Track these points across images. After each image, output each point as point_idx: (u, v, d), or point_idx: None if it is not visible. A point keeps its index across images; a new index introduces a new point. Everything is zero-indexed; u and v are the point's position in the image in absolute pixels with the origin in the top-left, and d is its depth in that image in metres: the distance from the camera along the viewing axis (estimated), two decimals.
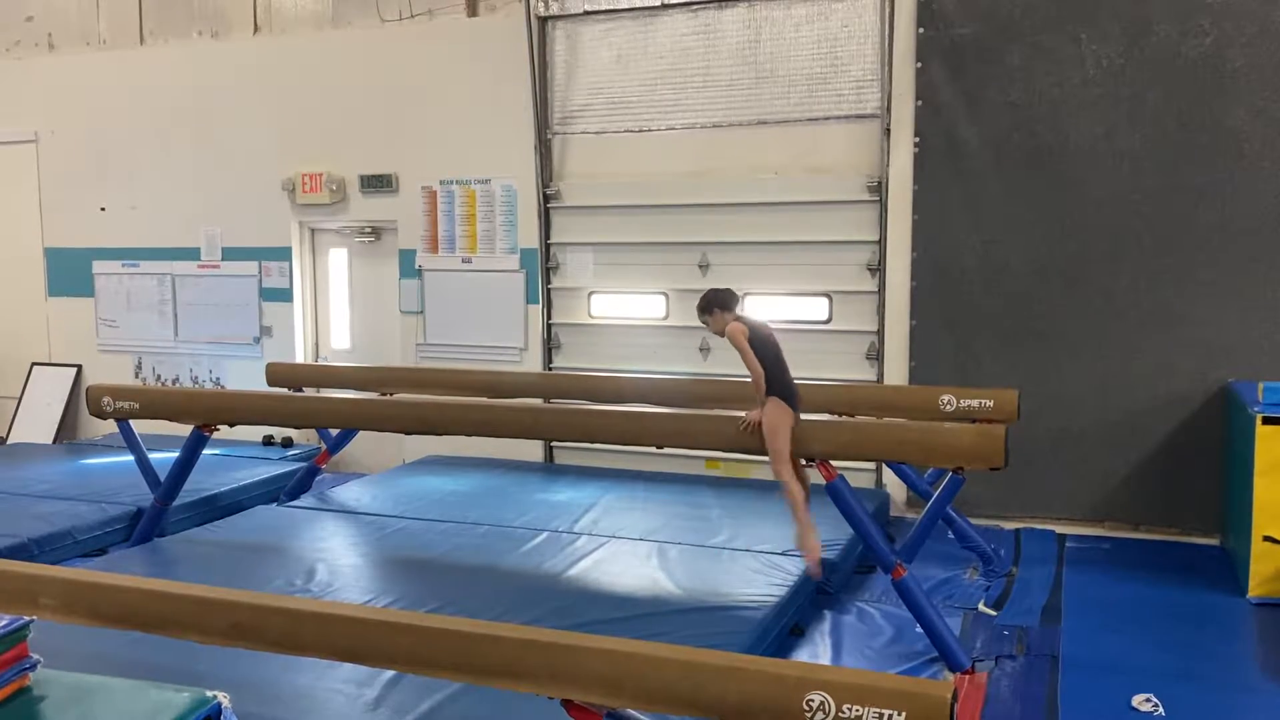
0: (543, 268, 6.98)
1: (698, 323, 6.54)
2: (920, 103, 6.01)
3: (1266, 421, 4.62)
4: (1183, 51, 5.54)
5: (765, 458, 4.27)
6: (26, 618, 2.07)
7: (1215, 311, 5.58)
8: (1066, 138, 5.76)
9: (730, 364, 6.52)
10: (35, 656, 2.09)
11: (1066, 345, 5.84)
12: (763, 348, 4.16)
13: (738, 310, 4.33)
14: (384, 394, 5.99)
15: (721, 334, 4.24)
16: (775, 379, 4.12)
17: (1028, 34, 5.77)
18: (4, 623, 2.04)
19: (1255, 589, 4.71)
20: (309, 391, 6.33)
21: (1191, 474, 5.66)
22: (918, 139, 6.04)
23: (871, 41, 6.14)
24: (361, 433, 6.42)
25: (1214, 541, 5.62)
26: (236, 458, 7.06)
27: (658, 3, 6.52)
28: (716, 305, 4.28)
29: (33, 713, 2.01)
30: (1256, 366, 5.48)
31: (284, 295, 7.78)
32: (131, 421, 5.48)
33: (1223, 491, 5.54)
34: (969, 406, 4.79)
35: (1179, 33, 5.53)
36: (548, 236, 6.96)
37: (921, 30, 5.97)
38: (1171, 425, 5.69)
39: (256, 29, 7.74)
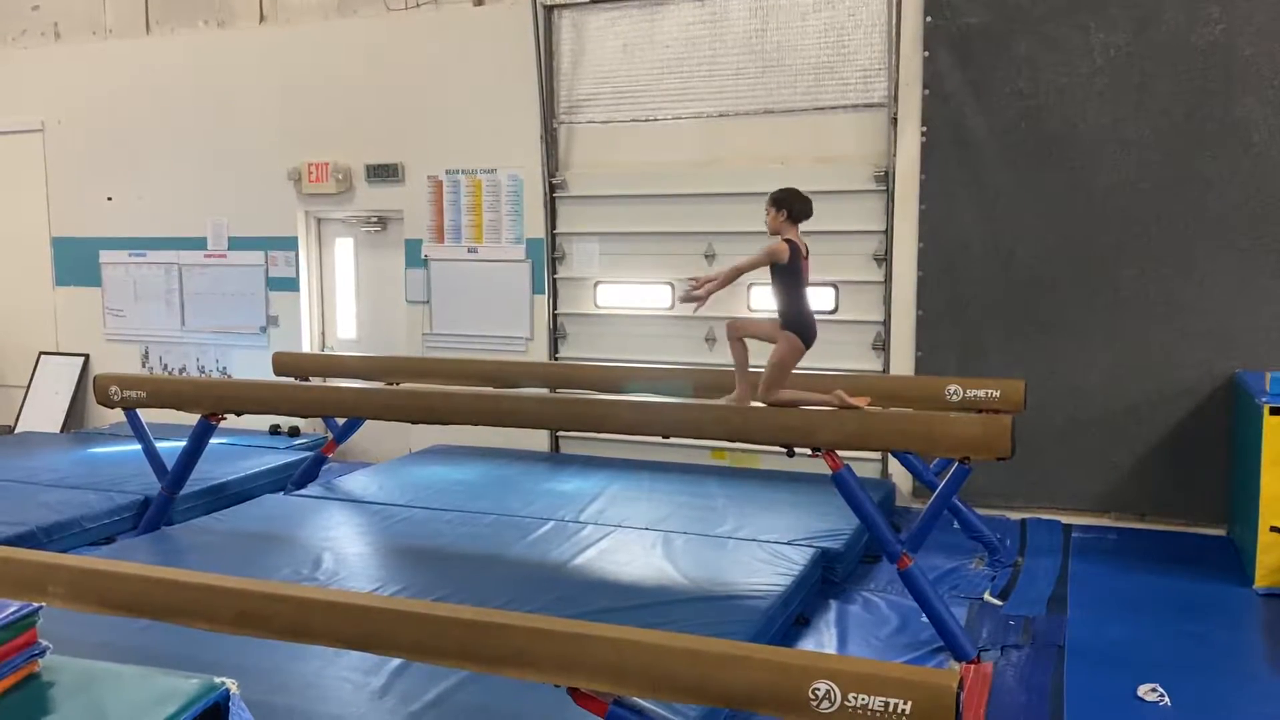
0: (548, 258, 6.97)
1: (702, 313, 6.57)
2: (927, 92, 5.99)
3: (1274, 412, 4.60)
4: (1192, 40, 5.51)
5: (769, 448, 4.27)
6: (36, 604, 2.08)
7: (1223, 301, 5.56)
8: (1074, 127, 5.73)
9: None
10: (44, 643, 2.10)
11: (1073, 335, 5.83)
12: (796, 276, 4.02)
13: (799, 230, 4.06)
14: (390, 383, 5.99)
15: (772, 233, 4.06)
16: (797, 311, 4.03)
17: (1036, 23, 5.75)
18: (14, 609, 2.04)
19: (1261, 579, 4.71)
20: (315, 381, 6.34)
21: (1198, 464, 5.65)
22: (925, 128, 6.02)
23: (879, 30, 6.12)
24: (368, 422, 6.42)
25: (1220, 532, 5.61)
26: (243, 447, 7.08)
27: None
28: (788, 209, 4.02)
29: (42, 698, 2.02)
30: (1264, 357, 5.46)
31: (290, 285, 7.79)
32: (139, 410, 5.50)
33: (1229, 482, 5.53)
34: (975, 396, 4.78)
35: (1188, 21, 5.50)
36: (554, 226, 6.96)
37: (929, 19, 5.95)
38: (1178, 415, 5.68)
39: (262, 18, 7.74)
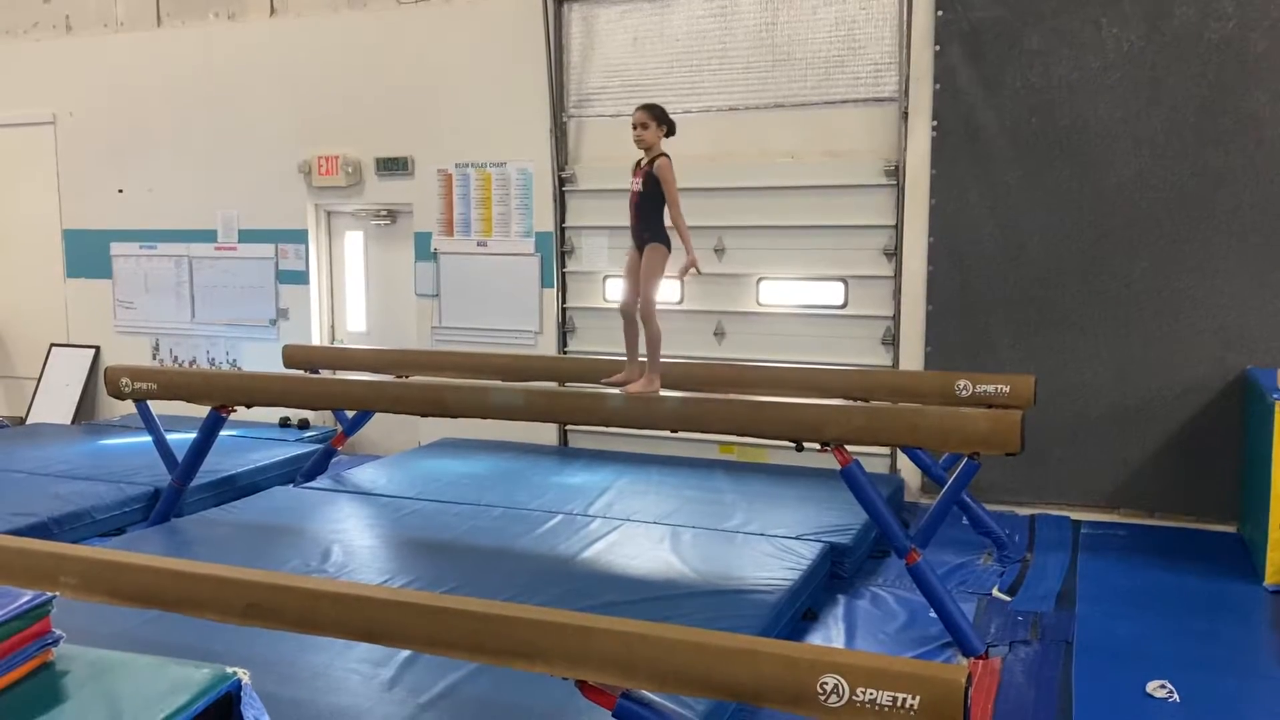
0: (558, 251, 6.97)
1: (712, 307, 6.62)
2: (938, 86, 5.97)
3: None
4: (1204, 35, 5.48)
5: (774, 442, 4.27)
6: (50, 593, 2.09)
7: (1234, 297, 5.54)
8: (1086, 122, 5.71)
9: (745, 349, 6.53)
10: (58, 632, 2.11)
11: (1083, 331, 5.81)
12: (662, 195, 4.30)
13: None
14: (400, 376, 6.01)
15: (648, 148, 4.33)
16: (661, 225, 4.33)
17: (1047, 17, 5.72)
18: (27, 598, 2.06)
19: (1272, 576, 4.69)
20: (325, 374, 6.36)
21: (1208, 461, 5.63)
22: (935, 123, 6.00)
23: (889, 24, 6.10)
24: (377, 415, 6.44)
25: (1230, 529, 5.59)
26: (253, 439, 7.11)
27: None
28: (668, 125, 4.33)
29: (56, 687, 2.04)
30: (1276, 353, 5.44)
31: (300, 278, 7.81)
32: (149, 402, 5.52)
33: (1240, 479, 5.51)
34: (985, 392, 4.77)
35: (1200, 16, 5.47)
36: (563, 220, 6.96)
37: (940, 13, 5.92)
38: (1189, 412, 5.66)
39: (273, 11, 7.74)
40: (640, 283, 4.35)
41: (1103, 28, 5.64)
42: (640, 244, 4.37)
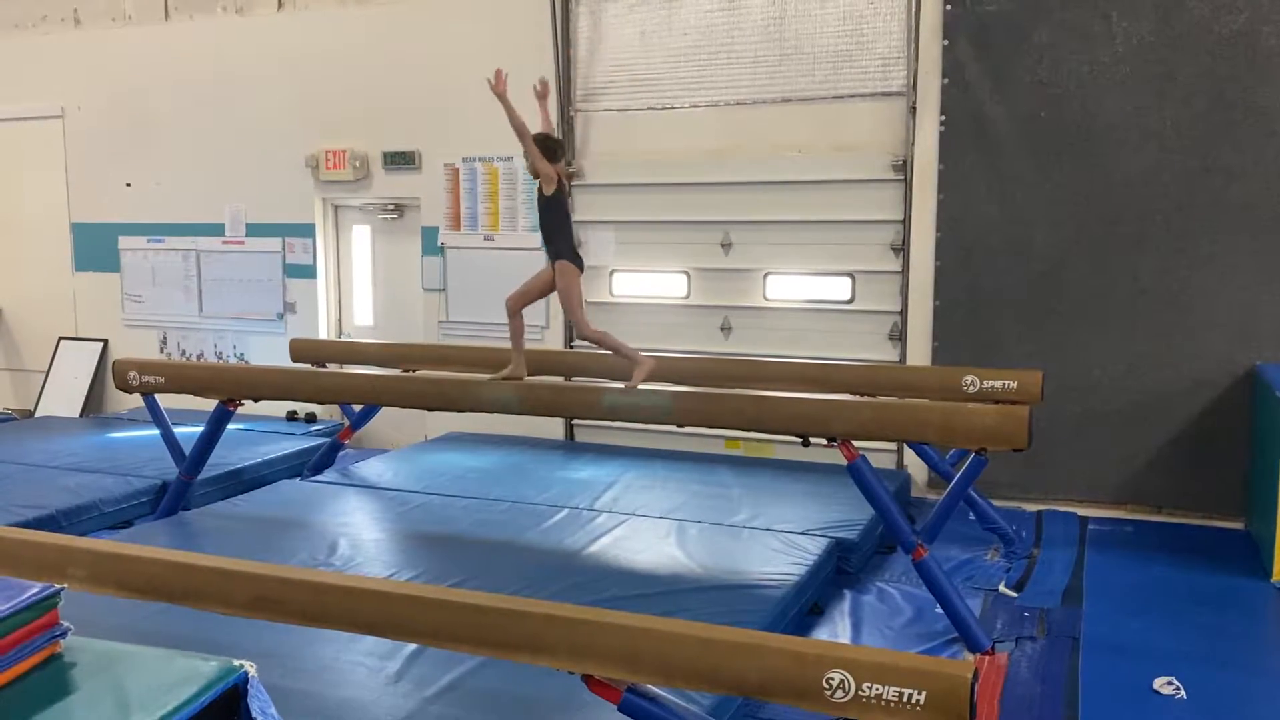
0: None
1: (718, 302, 6.62)
2: (946, 80, 5.96)
3: None
4: (1215, 29, 5.45)
5: (780, 437, 4.26)
6: (58, 585, 2.10)
7: (1243, 293, 5.52)
8: (1095, 116, 5.69)
9: (751, 344, 6.53)
10: (66, 624, 2.12)
11: (1092, 326, 5.79)
12: (565, 210, 4.44)
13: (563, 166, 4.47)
14: (406, 370, 6.01)
15: (536, 175, 4.38)
16: (567, 242, 4.42)
17: (1056, 10, 5.70)
18: (36, 590, 2.06)
19: (1279, 573, 4.68)
20: (332, 367, 6.37)
21: (1217, 457, 5.61)
22: (944, 117, 5.98)
23: (898, 18, 6.08)
24: (384, 409, 6.45)
25: (1238, 525, 5.58)
26: (260, 433, 7.12)
27: None
28: (541, 148, 4.33)
29: (65, 678, 2.04)
30: None
31: (307, 272, 7.82)
32: (157, 395, 5.53)
33: (1248, 475, 5.49)
34: (992, 387, 4.76)
35: (1211, 10, 5.45)
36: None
37: (948, 7, 5.90)
38: (1197, 408, 5.64)
39: (280, 5, 7.75)
40: (567, 312, 4.51)
41: (1112, 21, 5.61)
42: (551, 259, 4.45)
